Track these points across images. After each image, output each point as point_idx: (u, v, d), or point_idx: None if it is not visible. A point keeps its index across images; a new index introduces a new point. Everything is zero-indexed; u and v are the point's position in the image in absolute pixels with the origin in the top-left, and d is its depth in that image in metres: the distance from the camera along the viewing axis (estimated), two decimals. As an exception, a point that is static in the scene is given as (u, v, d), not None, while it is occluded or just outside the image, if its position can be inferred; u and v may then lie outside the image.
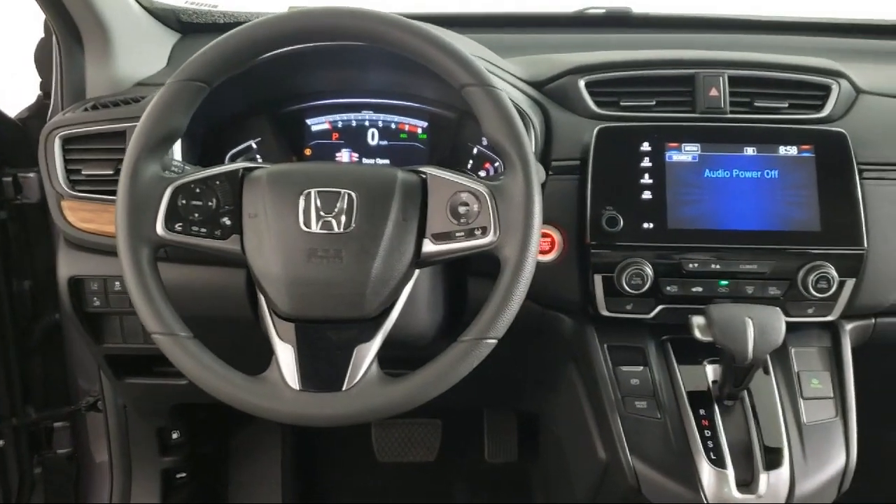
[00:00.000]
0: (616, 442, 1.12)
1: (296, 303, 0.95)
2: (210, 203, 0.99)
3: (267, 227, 0.97)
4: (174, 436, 1.69)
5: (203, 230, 0.98)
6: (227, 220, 0.99)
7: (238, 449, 1.94)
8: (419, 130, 1.35)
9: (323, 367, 0.94)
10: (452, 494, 2.01)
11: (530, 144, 0.97)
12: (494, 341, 0.95)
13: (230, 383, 0.94)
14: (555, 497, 1.60)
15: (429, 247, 0.98)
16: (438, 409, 2.00)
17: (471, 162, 1.31)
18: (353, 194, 0.97)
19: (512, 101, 1.17)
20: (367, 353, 0.95)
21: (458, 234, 0.97)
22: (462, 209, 0.97)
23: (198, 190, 0.98)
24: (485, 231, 0.96)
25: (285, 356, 0.95)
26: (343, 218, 0.96)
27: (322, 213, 0.96)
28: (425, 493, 2.01)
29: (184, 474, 1.73)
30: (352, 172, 1.02)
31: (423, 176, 1.00)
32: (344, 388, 0.94)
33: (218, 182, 0.99)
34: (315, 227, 0.96)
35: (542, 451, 1.87)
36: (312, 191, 0.97)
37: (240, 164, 1.02)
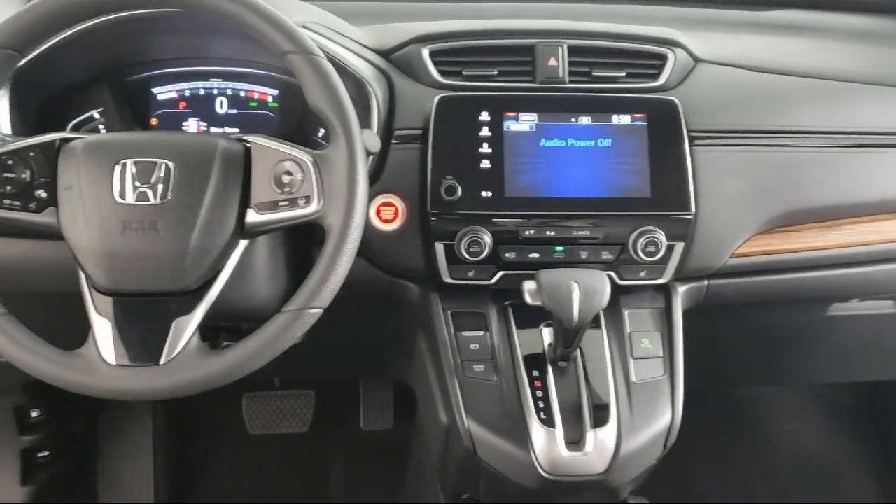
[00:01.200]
0: (454, 405, 1.14)
1: (112, 276, 0.94)
2: (24, 175, 0.95)
3: (81, 200, 0.94)
4: (33, 414, 1.65)
5: (16, 203, 0.95)
6: (42, 193, 0.96)
7: (108, 425, 1.91)
8: (269, 98, 1.33)
9: (140, 341, 0.93)
10: (328, 463, 2.03)
11: (354, 113, 0.97)
12: (319, 311, 0.95)
13: (43, 359, 0.92)
14: (424, 463, 1.62)
15: (252, 217, 0.97)
16: (311, 381, 2.01)
17: (321, 130, 1.30)
18: (170, 164, 0.95)
19: (353, 69, 1.18)
20: (187, 326, 0.94)
21: (281, 204, 0.96)
22: (286, 178, 0.96)
23: (10, 162, 0.95)
24: (308, 200, 0.96)
25: (102, 330, 0.93)
26: (160, 188, 0.94)
27: (137, 184, 0.94)
28: (300, 464, 2.02)
29: (46, 453, 1.69)
30: (170, 142, 0.99)
31: (248, 144, 0.99)
32: (162, 362, 0.93)
33: (32, 154, 0.96)
34: (130, 199, 0.93)
35: (417, 419, 1.90)
36: (128, 161, 0.95)
37: (56, 135, 0.98)
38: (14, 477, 1.64)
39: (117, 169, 0.94)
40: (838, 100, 1.32)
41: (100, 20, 1.13)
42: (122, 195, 0.94)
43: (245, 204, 0.97)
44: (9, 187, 0.95)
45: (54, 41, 1.12)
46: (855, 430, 2.15)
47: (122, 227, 0.93)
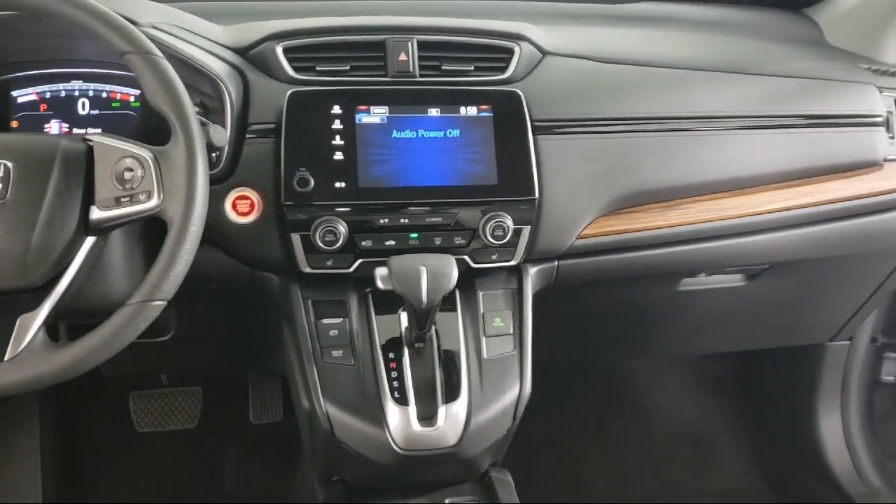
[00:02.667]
0: (312, 390, 1.19)
1: None
2: None
3: None
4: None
5: None
6: None
7: None
8: (132, 98, 1.34)
9: None
10: (219, 458, 2.05)
11: (193, 110, 1.01)
12: (163, 303, 0.98)
13: None
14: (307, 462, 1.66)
15: (96, 213, 0.99)
16: (198, 378, 2.03)
17: None
18: (9, 164, 0.97)
19: (206, 68, 1.21)
20: (33, 322, 0.96)
21: (123, 200, 0.99)
22: (128, 174, 0.99)
23: None
24: (149, 195, 0.98)
25: None
26: None
27: None
28: (191, 460, 2.04)
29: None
30: (10, 142, 1.01)
31: (90, 143, 1.01)
32: (6, 358, 0.94)
33: None
34: None
35: None
36: None
37: None
38: None
39: None
40: (675, 87, 1.40)
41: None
42: None
43: (88, 201, 1.00)
44: None
45: None
46: (727, 400, 2.29)
47: None
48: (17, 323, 0.95)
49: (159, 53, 1.01)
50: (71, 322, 1.15)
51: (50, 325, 0.98)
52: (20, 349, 0.95)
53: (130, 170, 0.99)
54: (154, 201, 0.98)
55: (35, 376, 0.95)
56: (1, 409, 1.89)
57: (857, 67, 1.55)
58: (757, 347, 1.89)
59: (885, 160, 1.46)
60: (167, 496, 1.96)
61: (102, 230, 1.02)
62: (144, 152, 0.99)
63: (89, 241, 1.01)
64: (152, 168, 0.99)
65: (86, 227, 1.00)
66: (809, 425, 2.02)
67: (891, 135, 1.47)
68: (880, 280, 1.67)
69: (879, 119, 1.46)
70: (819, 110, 1.44)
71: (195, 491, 1.98)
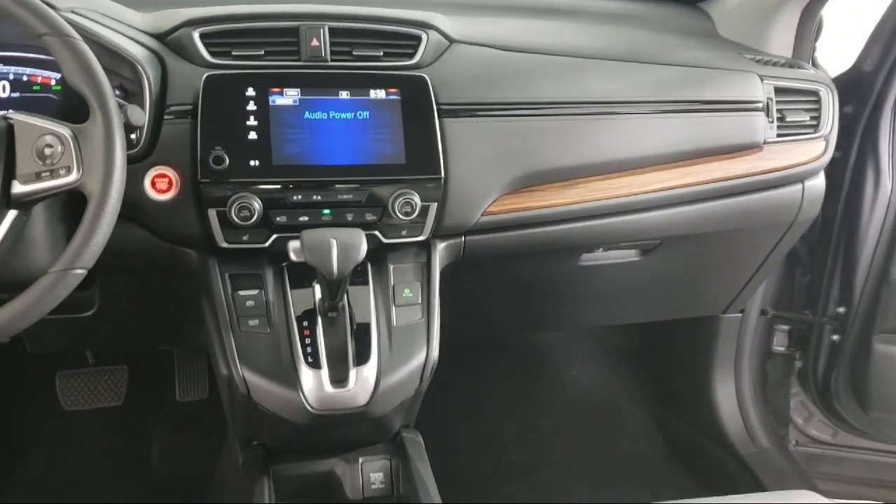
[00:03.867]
0: (229, 357, 1.26)
1: None
2: None
3: None
4: None
5: None
6: None
7: None
8: (52, 82, 1.37)
9: None
10: (146, 436, 2.10)
11: (110, 89, 1.07)
12: (83, 271, 1.03)
13: None
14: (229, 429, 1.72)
15: (17, 188, 1.04)
16: (123, 357, 2.07)
17: None
18: None
19: (125, 53, 1.26)
20: None
21: (44, 174, 1.04)
22: (48, 150, 1.04)
23: None
24: (69, 170, 1.04)
25: None
26: None
27: None
28: (118, 437, 2.08)
29: None
30: None
31: (10, 121, 1.06)
32: None
33: None
34: None
35: None
36: None
37: None
38: None
39: None
40: (574, 74, 1.50)
41: None
42: None
43: (10, 176, 1.04)
44: None
45: None
46: (630, 370, 2.43)
47: None
48: (-61, 292, 1.00)
49: (76, 35, 1.06)
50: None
51: None
52: (-56, 315, 1.00)
53: (50, 146, 1.04)
54: (73, 176, 1.04)
55: None
56: None
57: (742, 57, 1.68)
58: (655, 319, 2.02)
59: (765, 143, 1.59)
60: (96, 472, 2.00)
61: (24, 204, 1.07)
62: (64, 129, 1.05)
63: (11, 214, 1.06)
64: (71, 144, 1.04)
65: (7, 200, 1.04)
66: (706, 393, 2.16)
67: (770, 119, 1.60)
68: (764, 255, 1.81)
69: (760, 105, 1.59)
70: (705, 96, 1.55)
71: (124, 467, 2.03)
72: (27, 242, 1.15)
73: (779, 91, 1.62)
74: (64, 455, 2.04)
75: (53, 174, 1.04)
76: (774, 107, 1.61)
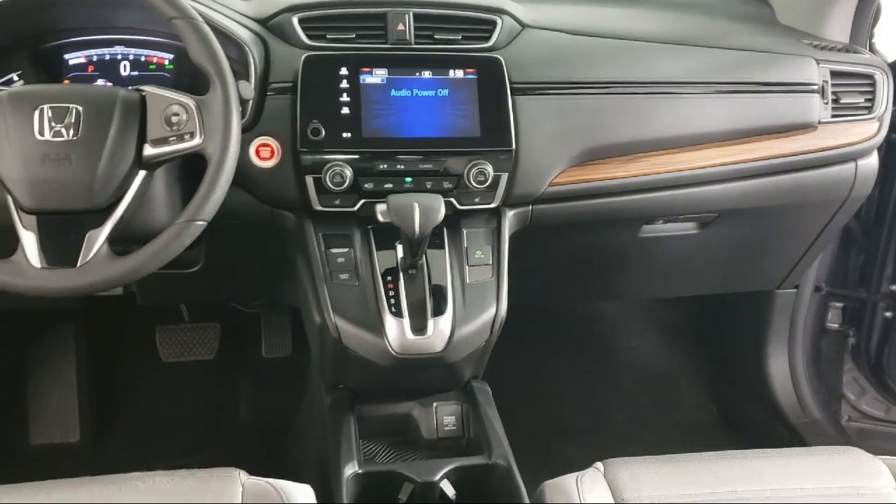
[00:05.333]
0: (323, 306, 1.41)
1: (35, 198, 1.16)
2: None
3: (8, 137, 1.16)
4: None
5: None
6: None
7: (36, 358, 2.13)
8: (166, 62, 1.55)
9: (60, 249, 1.17)
10: (235, 388, 2.29)
11: (229, 66, 1.23)
12: (203, 223, 1.20)
13: None
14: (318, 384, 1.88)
15: (148, 150, 1.21)
16: (217, 315, 2.26)
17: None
18: (80, 108, 1.18)
19: (234, 35, 1.42)
20: (98, 237, 1.18)
21: (171, 139, 1.21)
22: (175, 118, 1.21)
23: None
24: (193, 135, 1.21)
25: (29, 241, 1.16)
26: (72, 127, 1.17)
27: (54, 124, 1.17)
28: (209, 388, 2.28)
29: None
30: (79, 90, 1.23)
31: (143, 93, 1.23)
32: (78, 265, 1.17)
33: None
34: (48, 136, 1.16)
35: None
36: (45, 106, 1.17)
37: None
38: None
39: (37, 113, 1.17)
40: (637, 56, 1.61)
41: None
42: (41, 133, 1.16)
43: (142, 139, 1.21)
44: None
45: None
46: (686, 344, 2.52)
47: (42, 158, 1.16)
48: (86, 237, 1.18)
49: (200, 18, 1.22)
50: (122, 249, 1.37)
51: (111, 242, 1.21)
52: (89, 258, 1.17)
53: (177, 114, 1.21)
54: (196, 140, 1.21)
55: (100, 280, 1.17)
56: (42, 344, 2.13)
57: (800, 42, 1.77)
58: (711, 292, 2.11)
59: (819, 123, 1.68)
60: (190, 419, 2.21)
61: (152, 165, 1.24)
62: (189, 100, 1.22)
63: (141, 174, 1.23)
64: (195, 113, 1.21)
65: (139, 161, 1.21)
66: (760, 367, 2.23)
67: (825, 101, 1.69)
68: (817, 231, 1.89)
69: (815, 87, 1.67)
70: (762, 78, 1.65)
71: (214, 414, 2.23)
72: (149, 201, 1.32)
73: (834, 74, 1.70)
74: (161, 403, 2.25)
75: (179, 138, 1.21)
76: (830, 89, 1.69)
